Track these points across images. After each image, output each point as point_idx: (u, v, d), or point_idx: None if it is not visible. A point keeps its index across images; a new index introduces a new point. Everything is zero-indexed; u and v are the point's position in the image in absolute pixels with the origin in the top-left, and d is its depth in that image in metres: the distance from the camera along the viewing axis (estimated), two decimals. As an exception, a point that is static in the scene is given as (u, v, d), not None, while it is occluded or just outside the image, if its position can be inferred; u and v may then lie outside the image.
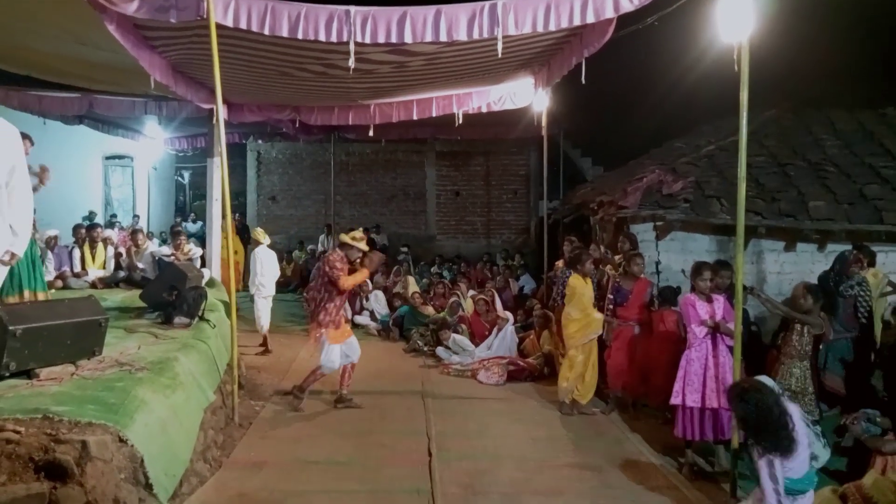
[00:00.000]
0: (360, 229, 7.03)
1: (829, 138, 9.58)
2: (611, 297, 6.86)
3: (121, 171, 16.74)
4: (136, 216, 15.81)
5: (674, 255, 8.32)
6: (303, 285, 13.16)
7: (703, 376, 5.18)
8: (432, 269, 13.94)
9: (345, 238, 6.54)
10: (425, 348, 9.19)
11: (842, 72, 10.92)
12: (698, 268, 5.47)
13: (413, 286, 11.50)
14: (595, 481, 4.96)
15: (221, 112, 5.92)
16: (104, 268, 8.89)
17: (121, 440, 3.84)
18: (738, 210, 4.77)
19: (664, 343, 6.32)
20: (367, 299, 11.12)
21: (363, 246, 6.58)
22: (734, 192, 4.95)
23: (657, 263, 8.29)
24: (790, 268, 8.11)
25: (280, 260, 15.60)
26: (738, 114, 4.67)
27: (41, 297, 5.51)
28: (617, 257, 7.74)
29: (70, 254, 8.84)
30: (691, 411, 5.18)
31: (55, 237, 8.96)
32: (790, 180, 8.57)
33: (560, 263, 8.28)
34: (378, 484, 4.87)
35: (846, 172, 8.63)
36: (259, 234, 9.30)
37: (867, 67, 10.95)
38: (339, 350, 6.52)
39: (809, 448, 3.53)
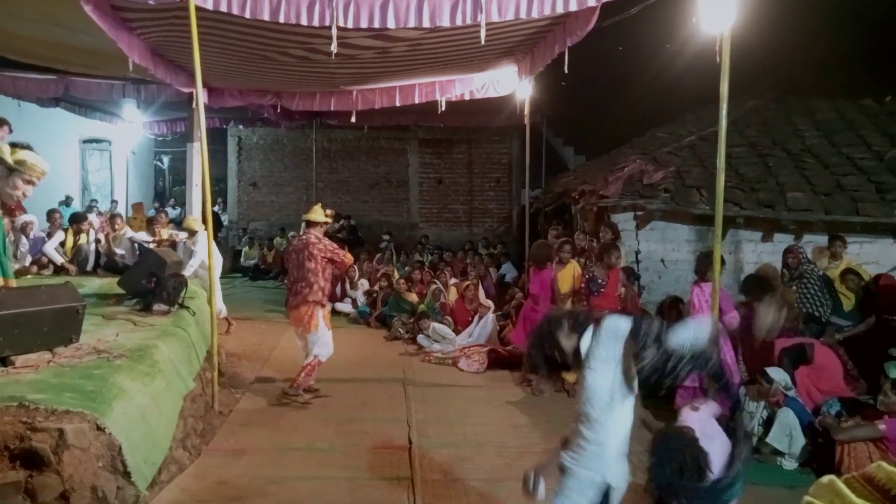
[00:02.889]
0: (318, 205, 6.71)
1: (808, 129, 9.67)
2: (583, 286, 6.90)
3: (98, 155, 16.49)
4: (114, 201, 15.60)
5: (654, 244, 8.40)
6: (284, 273, 13.09)
7: None
8: (414, 257, 13.93)
9: (317, 216, 6.38)
10: (406, 336, 9.19)
11: (823, 62, 11.02)
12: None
13: (395, 275, 11.49)
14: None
15: (201, 96, 5.85)
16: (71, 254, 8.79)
17: (98, 428, 3.81)
18: (716, 200, 4.81)
19: None
20: (352, 286, 11.09)
21: (325, 217, 6.49)
22: (714, 182, 5.00)
23: (637, 253, 8.36)
24: (767, 258, 8.22)
25: (261, 247, 15.60)
26: (718, 103, 4.70)
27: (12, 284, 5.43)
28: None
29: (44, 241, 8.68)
30: (693, 391, 5.34)
31: (30, 223, 8.80)
32: (770, 170, 8.66)
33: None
34: (358, 471, 4.88)
35: (825, 163, 8.73)
36: (192, 222, 8.77)
37: (848, 57, 11.06)
38: (331, 334, 6.39)
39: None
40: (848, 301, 6.85)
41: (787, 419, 4.97)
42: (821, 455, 4.82)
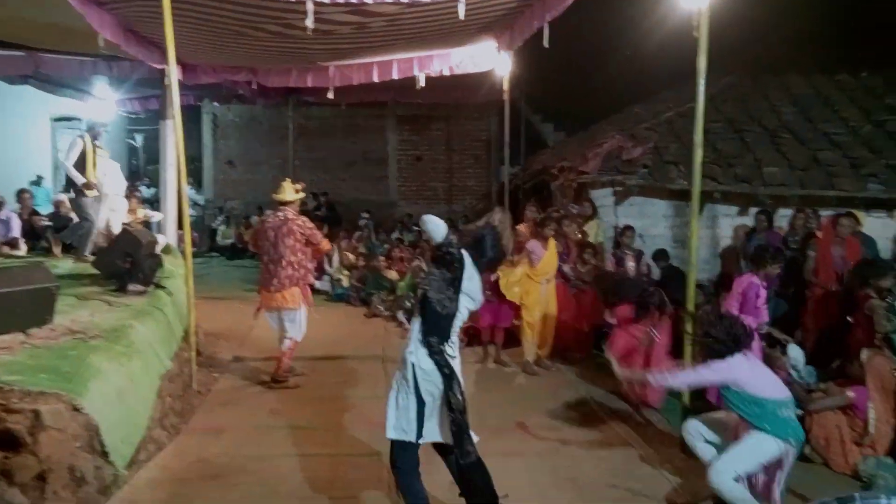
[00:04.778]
0: (287, 181, 6.46)
1: (785, 104, 9.76)
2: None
3: (70, 134, 16.10)
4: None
5: (632, 219, 8.45)
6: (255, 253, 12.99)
7: None
8: (392, 235, 13.88)
9: (289, 196, 6.20)
10: (386, 313, 9.19)
11: (799, 37, 11.09)
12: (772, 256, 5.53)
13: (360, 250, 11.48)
14: (553, 441, 5.08)
15: (174, 73, 5.73)
16: None
17: (75, 409, 3.78)
18: (694, 175, 4.84)
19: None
20: (331, 265, 11.03)
21: (296, 194, 6.26)
22: (691, 158, 5.03)
23: (616, 228, 8.41)
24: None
25: (237, 226, 15.44)
26: (697, 79, 4.71)
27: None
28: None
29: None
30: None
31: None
32: (746, 146, 8.74)
33: (522, 228, 8.31)
34: (339, 448, 4.90)
35: (801, 139, 8.83)
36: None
37: (824, 33, 11.14)
38: (305, 311, 6.29)
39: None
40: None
41: None
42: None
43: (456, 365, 3.40)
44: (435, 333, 3.34)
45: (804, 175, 8.11)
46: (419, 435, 3.35)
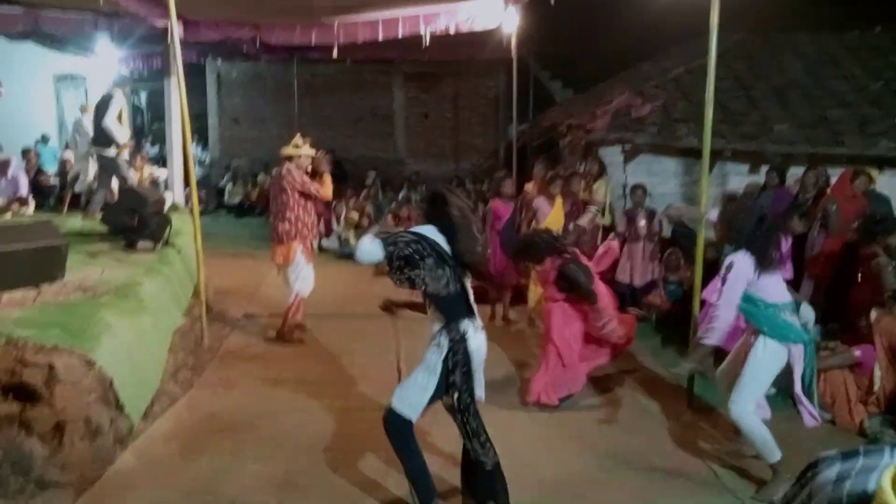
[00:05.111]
0: (297, 136, 6.43)
1: (793, 62, 9.59)
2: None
3: (74, 92, 16.01)
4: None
5: (640, 177, 8.38)
6: (269, 209, 13.01)
7: None
8: (400, 194, 13.84)
9: (289, 150, 6.16)
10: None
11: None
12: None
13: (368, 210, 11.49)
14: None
15: (176, 29, 5.66)
16: None
17: (88, 363, 3.85)
18: (704, 133, 4.79)
19: None
20: (339, 223, 11.04)
21: (308, 150, 6.19)
22: (700, 116, 4.96)
23: (624, 186, 8.36)
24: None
25: (245, 184, 15.41)
26: (705, 36, 4.62)
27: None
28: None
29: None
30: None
31: (7, 161, 8.62)
32: (754, 104, 8.61)
33: (529, 187, 8.29)
34: (349, 401, 4.98)
35: (808, 97, 8.69)
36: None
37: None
38: (311, 268, 6.26)
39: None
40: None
41: None
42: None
43: (481, 340, 3.32)
44: (457, 316, 3.25)
45: (812, 133, 8.01)
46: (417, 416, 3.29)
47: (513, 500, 3.37)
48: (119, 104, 7.76)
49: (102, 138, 7.87)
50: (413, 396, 3.27)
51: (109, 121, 7.67)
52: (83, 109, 9.53)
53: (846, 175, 6.78)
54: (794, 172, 7.90)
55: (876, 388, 4.67)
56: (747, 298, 3.79)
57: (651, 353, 6.20)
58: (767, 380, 3.82)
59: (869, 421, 4.59)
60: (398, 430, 3.29)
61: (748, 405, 3.75)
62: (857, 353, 4.77)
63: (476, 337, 3.27)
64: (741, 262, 3.76)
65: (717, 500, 3.80)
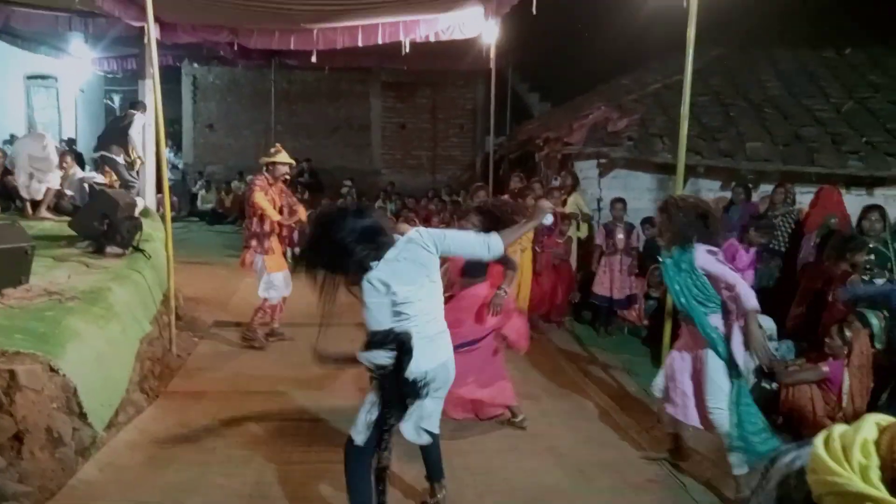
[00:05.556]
0: (277, 146, 6.50)
1: (770, 79, 9.76)
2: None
3: (45, 93, 15.68)
4: (70, 139, 14.81)
5: (616, 192, 8.44)
6: (242, 217, 12.88)
7: None
8: (375, 204, 13.77)
9: (266, 159, 6.28)
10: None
11: (788, 11, 11.04)
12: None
13: None
14: (533, 410, 5.12)
15: (153, 31, 5.58)
16: None
17: (52, 370, 3.73)
18: (679, 149, 4.84)
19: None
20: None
21: (286, 157, 6.27)
22: (677, 131, 5.01)
23: (599, 200, 8.41)
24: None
25: (218, 191, 15.24)
26: (685, 51, 4.67)
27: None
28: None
29: None
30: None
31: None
32: (731, 120, 8.74)
33: (504, 198, 8.28)
34: (319, 413, 4.90)
35: (784, 114, 8.85)
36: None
37: (813, 7, 11.12)
38: (282, 277, 6.30)
39: None
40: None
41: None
42: (766, 395, 5.02)
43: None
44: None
45: (786, 151, 8.14)
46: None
47: (485, 513, 3.33)
48: (142, 121, 8.67)
49: (114, 143, 8.62)
50: (359, 417, 3.16)
51: (137, 138, 8.62)
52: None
53: (829, 191, 6.98)
54: (765, 190, 8.04)
55: (844, 404, 4.72)
56: (708, 296, 3.79)
57: (622, 368, 6.23)
58: (728, 379, 3.84)
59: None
60: (346, 455, 3.15)
61: (723, 406, 3.78)
62: (825, 368, 4.83)
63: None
64: (704, 252, 3.75)
65: (688, 513, 3.80)
